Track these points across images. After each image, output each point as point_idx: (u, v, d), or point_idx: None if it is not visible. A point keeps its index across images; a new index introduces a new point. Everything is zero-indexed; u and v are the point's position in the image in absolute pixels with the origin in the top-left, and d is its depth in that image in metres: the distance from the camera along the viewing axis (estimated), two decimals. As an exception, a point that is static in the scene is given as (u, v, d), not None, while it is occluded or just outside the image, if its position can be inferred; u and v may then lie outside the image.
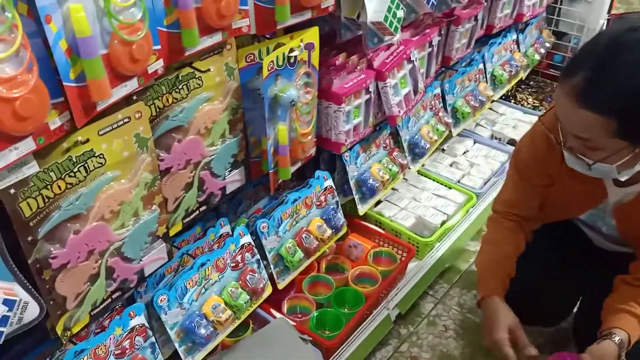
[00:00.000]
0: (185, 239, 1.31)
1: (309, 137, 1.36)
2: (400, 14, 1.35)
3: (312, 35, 1.25)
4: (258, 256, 1.33)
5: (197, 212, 1.21)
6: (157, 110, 1.03)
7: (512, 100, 2.47)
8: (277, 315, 1.43)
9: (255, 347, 1.31)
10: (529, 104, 2.44)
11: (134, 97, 0.97)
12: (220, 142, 1.18)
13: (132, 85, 0.90)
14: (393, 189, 1.87)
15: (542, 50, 2.41)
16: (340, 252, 1.70)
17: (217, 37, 1.05)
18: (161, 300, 1.12)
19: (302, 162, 1.41)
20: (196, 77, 1.07)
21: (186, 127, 1.09)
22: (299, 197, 1.41)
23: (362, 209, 1.60)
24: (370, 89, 1.48)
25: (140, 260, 1.05)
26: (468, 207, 1.86)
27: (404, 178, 1.91)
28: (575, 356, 1.17)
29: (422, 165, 1.96)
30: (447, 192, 1.90)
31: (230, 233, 1.34)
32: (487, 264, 1.36)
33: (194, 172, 1.15)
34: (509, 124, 2.28)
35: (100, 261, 0.96)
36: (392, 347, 1.64)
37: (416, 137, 1.75)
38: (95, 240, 0.94)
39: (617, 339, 1.17)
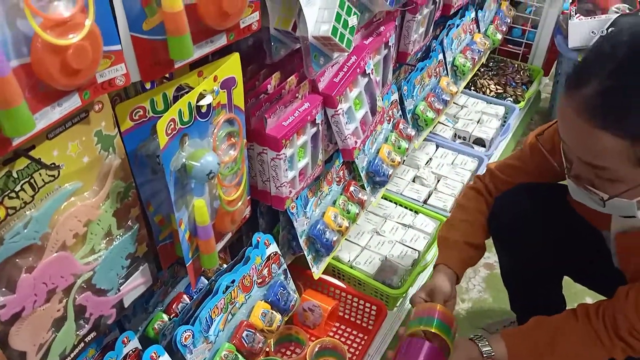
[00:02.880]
0: (73, 371, 0.91)
1: (240, 203, 0.97)
2: (354, 21, 0.96)
3: (232, 66, 0.85)
4: (182, 378, 0.95)
5: (83, 344, 0.82)
6: (-21, 235, 0.61)
7: (472, 88, 2.15)
8: None
9: None
10: (491, 91, 2.13)
11: None
12: (105, 245, 0.78)
13: None
14: (349, 220, 1.52)
15: (504, 28, 2.08)
16: (294, 319, 1.34)
17: (73, 102, 0.63)
18: None
19: (232, 233, 1.03)
20: (44, 167, 0.66)
21: (39, 244, 0.68)
22: (233, 282, 1.03)
23: (317, 272, 1.25)
24: (317, 120, 1.10)
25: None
26: (441, 237, 1.53)
27: (362, 207, 1.56)
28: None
29: (382, 186, 1.62)
30: (415, 220, 1.57)
31: (140, 348, 0.96)
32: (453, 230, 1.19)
33: (64, 300, 0.74)
34: (473, 118, 1.97)
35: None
36: None
37: (375, 162, 1.39)
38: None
39: (487, 353, 1.04)
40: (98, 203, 0.74)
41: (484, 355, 1.03)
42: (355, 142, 1.19)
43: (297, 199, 1.16)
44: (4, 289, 0.66)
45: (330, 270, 1.43)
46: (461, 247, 1.15)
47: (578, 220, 1.11)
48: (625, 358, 1.03)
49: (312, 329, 1.34)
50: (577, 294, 1.59)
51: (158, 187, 0.86)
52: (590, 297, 1.61)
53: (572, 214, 1.11)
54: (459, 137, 1.93)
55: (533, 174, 1.17)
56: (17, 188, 0.63)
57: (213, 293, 1.01)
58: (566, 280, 1.37)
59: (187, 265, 0.91)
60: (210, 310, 0.99)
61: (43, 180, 0.66)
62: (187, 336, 0.94)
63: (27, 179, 0.64)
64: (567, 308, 1.41)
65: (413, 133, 1.53)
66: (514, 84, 2.14)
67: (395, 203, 1.64)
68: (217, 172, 0.82)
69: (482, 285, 1.71)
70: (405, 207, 1.63)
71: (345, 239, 1.49)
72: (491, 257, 1.78)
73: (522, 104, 2.05)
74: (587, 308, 1.03)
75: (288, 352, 1.34)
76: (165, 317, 1.05)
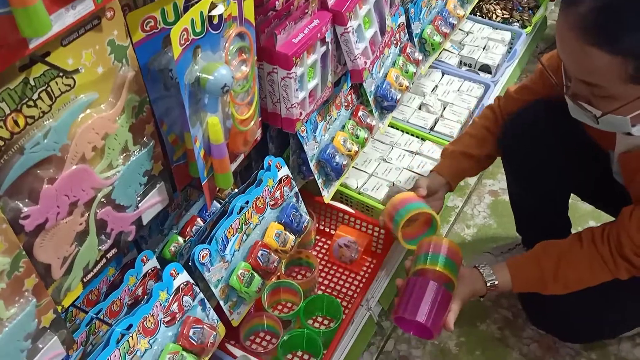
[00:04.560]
0: (94, 289, 0.93)
1: (252, 123, 0.96)
2: None
3: (242, -24, 0.82)
4: (201, 295, 0.97)
5: (105, 260, 0.83)
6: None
7: (478, 13, 2.10)
8: (237, 353, 1.11)
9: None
10: (497, 16, 2.08)
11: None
12: (122, 160, 0.78)
13: None
14: (356, 147, 1.52)
15: (510, -52, 2.02)
16: (329, 255, 1.37)
17: (87, 5, 0.62)
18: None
19: (245, 154, 1.02)
20: (61, 75, 0.64)
21: (59, 155, 0.68)
22: (247, 203, 1.03)
23: (327, 196, 1.25)
24: (326, 38, 1.07)
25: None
26: (448, 162, 1.54)
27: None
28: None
29: (388, 113, 1.60)
30: (422, 146, 1.57)
31: (159, 267, 0.97)
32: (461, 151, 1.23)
33: (86, 214, 0.75)
34: (479, 45, 1.93)
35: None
36: (375, 347, 1.37)
37: (384, 86, 1.37)
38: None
39: (491, 282, 1.04)
40: (114, 116, 0.73)
41: (488, 285, 1.04)
42: (365, 63, 1.17)
43: (306, 122, 1.15)
44: (27, 200, 0.66)
45: (338, 196, 1.44)
46: (457, 158, 1.21)
47: (587, 139, 1.11)
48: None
49: (349, 264, 1.35)
50: (582, 217, 1.62)
51: (171, 104, 0.85)
52: (594, 221, 1.63)
53: (580, 133, 1.11)
54: (465, 64, 1.90)
55: (541, 93, 1.17)
56: (35, 96, 0.62)
57: (227, 214, 1.02)
58: (572, 204, 1.39)
59: (202, 184, 0.91)
60: (226, 230, 1.00)
61: (59, 89, 0.64)
62: (204, 255, 0.96)
63: (44, 87, 0.63)
64: (572, 231, 1.44)
65: (420, 57, 1.50)
66: (520, 8, 2.08)
67: (402, 131, 1.63)
68: (232, 86, 0.81)
69: (487, 211, 1.73)
70: (412, 135, 1.62)
71: (353, 167, 1.50)
72: (495, 184, 1.79)
73: (529, 28, 2.01)
74: (593, 232, 1.04)
75: (299, 276, 1.37)
76: (180, 239, 1.06)
